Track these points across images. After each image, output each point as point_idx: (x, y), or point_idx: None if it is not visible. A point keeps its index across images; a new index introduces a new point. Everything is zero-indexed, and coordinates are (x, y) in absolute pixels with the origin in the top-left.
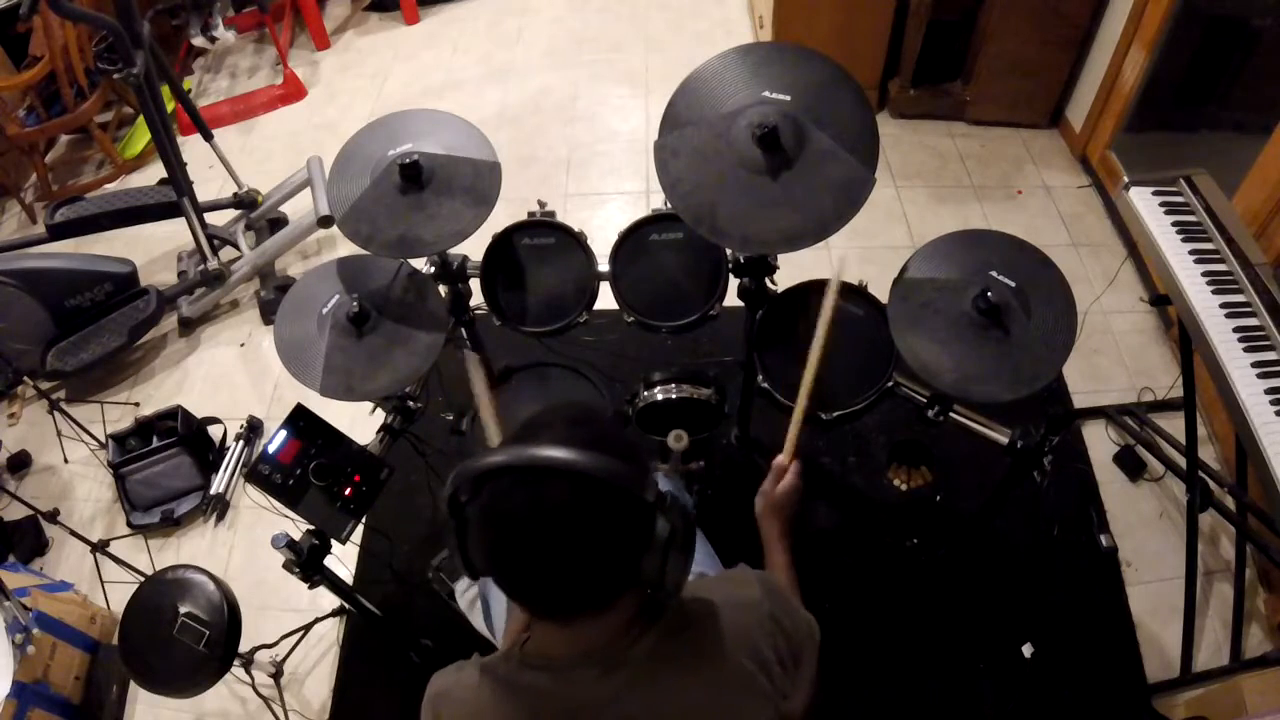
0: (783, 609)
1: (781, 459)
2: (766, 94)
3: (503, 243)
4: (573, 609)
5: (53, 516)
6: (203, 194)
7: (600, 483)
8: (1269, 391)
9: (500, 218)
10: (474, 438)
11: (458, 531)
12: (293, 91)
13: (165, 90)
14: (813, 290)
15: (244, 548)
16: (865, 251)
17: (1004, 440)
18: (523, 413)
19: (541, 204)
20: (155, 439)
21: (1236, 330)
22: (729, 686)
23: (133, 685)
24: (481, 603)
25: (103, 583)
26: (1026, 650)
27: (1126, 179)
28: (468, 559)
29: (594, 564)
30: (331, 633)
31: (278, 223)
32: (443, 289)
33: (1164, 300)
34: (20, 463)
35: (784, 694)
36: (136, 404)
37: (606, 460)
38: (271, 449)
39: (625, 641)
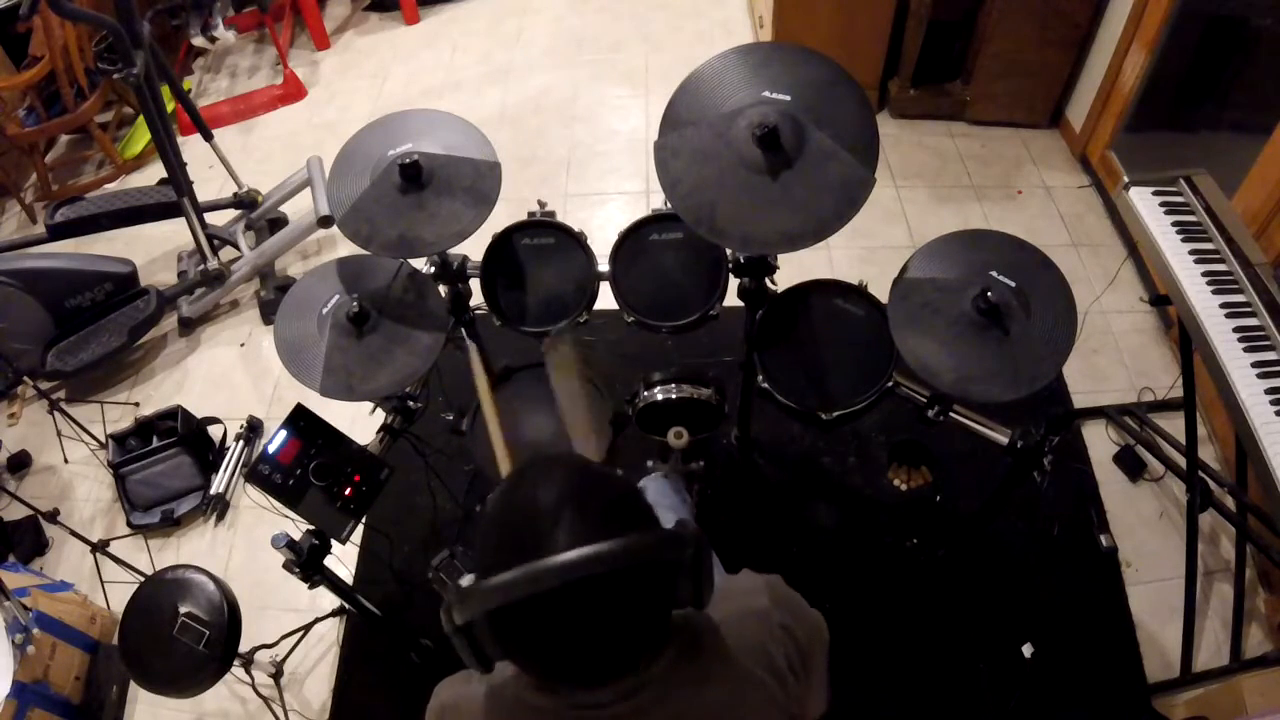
0: (792, 615)
1: None
2: (766, 94)
3: (503, 243)
4: (602, 682)
5: (53, 516)
6: (203, 194)
7: (637, 568)
8: (1269, 391)
9: (500, 218)
10: (474, 437)
11: (469, 644)
12: (293, 91)
13: (165, 90)
14: (811, 290)
15: (244, 548)
16: (865, 251)
17: (1004, 440)
18: (523, 413)
19: (541, 204)
20: (155, 439)
21: (1236, 330)
22: (744, 700)
23: (133, 685)
24: None
25: (103, 583)
26: (1026, 650)
27: (1126, 179)
28: (482, 657)
29: (631, 640)
30: (331, 633)
31: (278, 223)
32: (443, 289)
33: (1164, 300)
34: (20, 463)
35: (796, 699)
36: (136, 404)
37: (635, 539)
38: (271, 449)
39: (641, 666)
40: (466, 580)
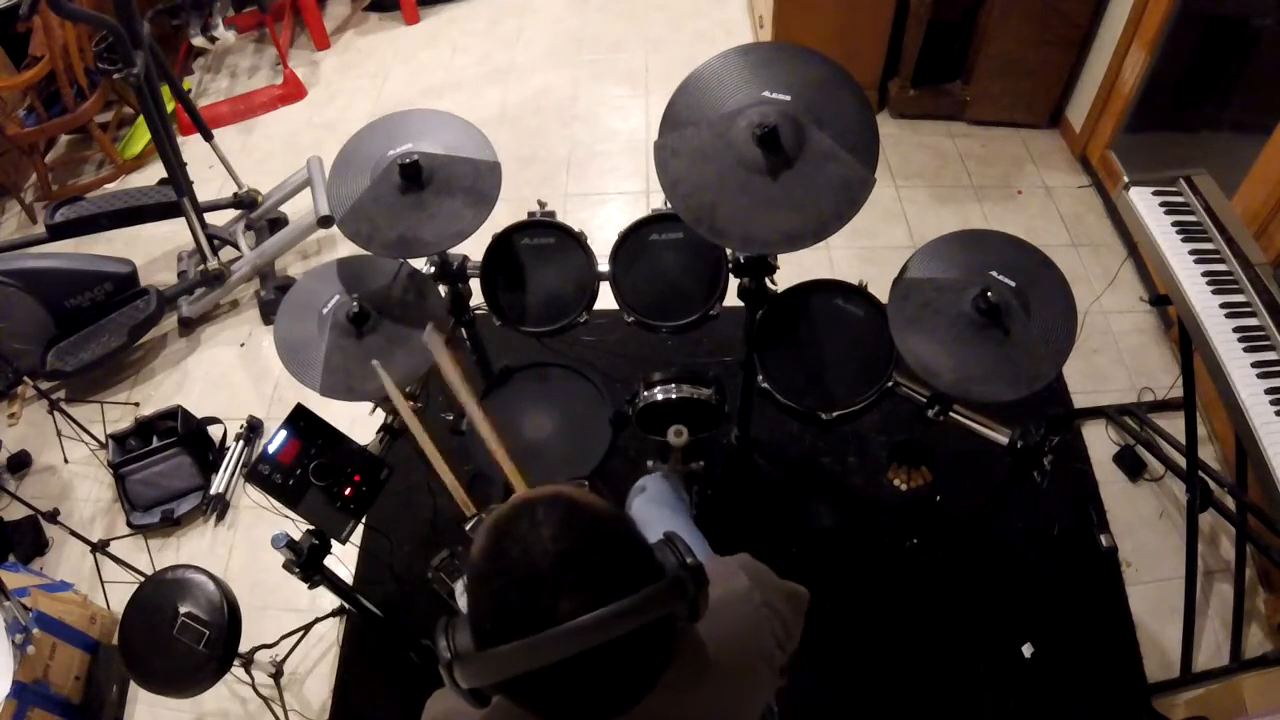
0: (772, 591)
1: None
2: (766, 94)
3: (503, 243)
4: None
5: (53, 516)
6: (203, 194)
7: (652, 620)
8: (1269, 391)
9: (500, 218)
10: (474, 437)
11: (470, 695)
12: (293, 91)
13: (165, 90)
14: (811, 290)
15: (244, 548)
16: (865, 251)
17: (1004, 440)
18: (522, 414)
19: (541, 204)
20: (155, 439)
21: (1236, 330)
22: (740, 688)
23: (133, 685)
24: None
25: (103, 583)
26: (1026, 650)
27: (1126, 179)
28: (480, 697)
29: (637, 681)
30: (331, 633)
31: (278, 223)
32: (443, 289)
33: (1164, 300)
34: (20, 463)
35: (782, 670)
36: (136, 404)
37: (641, 598)
38: (271, 449)
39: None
40: (465, 582)
